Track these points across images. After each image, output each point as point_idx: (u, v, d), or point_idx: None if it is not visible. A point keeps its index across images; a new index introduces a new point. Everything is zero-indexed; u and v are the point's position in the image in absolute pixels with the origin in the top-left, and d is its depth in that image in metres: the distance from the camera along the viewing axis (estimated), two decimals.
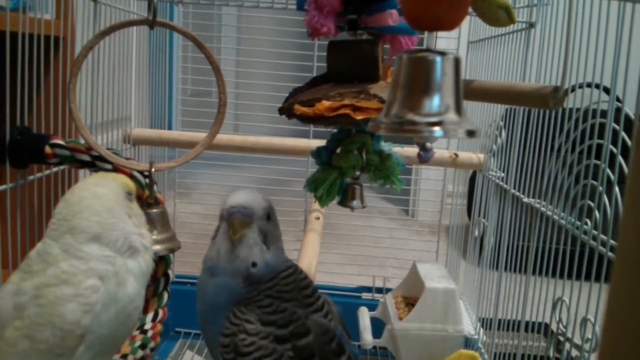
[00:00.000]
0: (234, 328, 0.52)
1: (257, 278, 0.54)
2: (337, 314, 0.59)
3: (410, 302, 1.01)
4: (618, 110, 0.60)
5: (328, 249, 1.34)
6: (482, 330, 1.00)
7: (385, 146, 0.66)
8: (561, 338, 0.69)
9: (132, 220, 0.56)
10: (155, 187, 0.66)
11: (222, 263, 0.54)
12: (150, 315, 0.68)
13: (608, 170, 0.61)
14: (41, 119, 0.80)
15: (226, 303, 0.54)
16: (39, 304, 0.50)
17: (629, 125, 0.58)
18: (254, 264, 0.53)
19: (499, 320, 0.90)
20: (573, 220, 0.69)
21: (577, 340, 0.65)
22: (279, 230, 0.57)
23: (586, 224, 0.66)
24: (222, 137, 1.04)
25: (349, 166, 0.63)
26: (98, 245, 0.53)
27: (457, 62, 0.42)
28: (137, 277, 0.55)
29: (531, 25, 0.85)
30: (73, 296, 0.51)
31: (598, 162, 0.62)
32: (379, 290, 1.22)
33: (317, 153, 0.65)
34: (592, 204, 0.63)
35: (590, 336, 0.61)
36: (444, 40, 1.22)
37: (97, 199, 0.54)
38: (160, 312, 0.69)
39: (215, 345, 0.54)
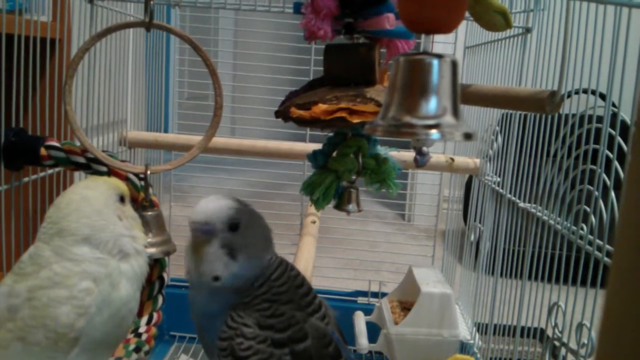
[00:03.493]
0: (231, 332, 0.52)
1: (233, 288, 0.53)
2: (333, 319, 0.58)
3: (406, 307, 1.01)
4: (614, 116, 0.60)
5: (324, 253, 1.33)
6: (477, 335, 1.00)
7: (382, 150, 0.66)
8: (557, 343, 0.69)
9: (124, 223, 0.56)
10: (150, 190, 0.65)
11: (193, 278, 0.54)
12: (144, 319, 0.68)
13: (604, 176, 0.61)
14: (36, 121, 0.80)
15: (220, 310, 0.53)
16: (32, 306, 0.50)
17: (624, 130, 0.58)
18: (215, 278, 0.52)
19: (495, 325, 0.90)
20: (569, 225, 0.69)
21: (572, 345, 0.64)
22: (255, 236, 0.54)
23: (582, 229, 0.66)
24: (219, 141, 1.03)
25: (345, 170, 0.63)
26: (88, 247, 0.53)
27: (454, 64, 0.42)
28: (131, 280, 0.55)
29: (527, 30, 0.85)
30: (67, 299, 0.50)
31: (594, 167, 0.62)
32: (375, 295, 1.22)
33: (314, 156, 0.65)
34: (588, 209, 0.63)
35: (586, 341, 0.61)
36: (440, 45, 1.22)
37: (86, 201, 0.54)
38: (155, 315, 0.69)
39: (213, 351, 0.54)
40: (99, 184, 0.57)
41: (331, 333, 0.55)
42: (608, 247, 0.60)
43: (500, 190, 0.93)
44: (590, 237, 0.63)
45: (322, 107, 0.57)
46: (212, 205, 0.53)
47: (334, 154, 0.64)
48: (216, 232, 0.52)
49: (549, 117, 0.77)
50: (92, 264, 0.52)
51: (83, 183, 0.58)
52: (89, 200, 0.55)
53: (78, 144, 0.67)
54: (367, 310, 1.04)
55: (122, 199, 0.58)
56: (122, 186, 0.59)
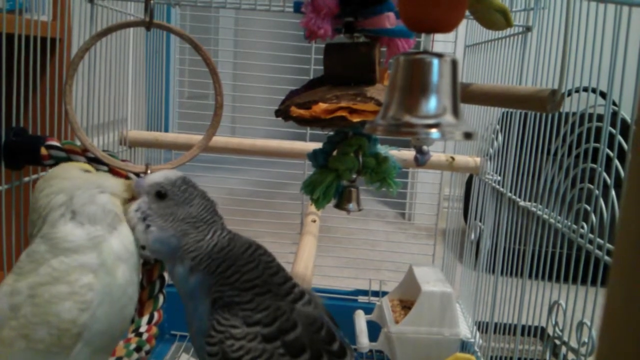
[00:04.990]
0: (220, 336, 0.51)
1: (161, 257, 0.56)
2: (322, 305, 0.58)
3: (406, 306, 1.01)
4: (614, 114, 0.60)
5: (324, 252, 1.34)
6: (478, 334, 1.00)
7: (382, 149, 0.66)
8: (557, 342, 0.69)
9: (96, 176, 0.58)
10: None
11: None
12: (145, 318, 0.68)
13: (604, 174, 0.61)
14: (37, 121, 0.80)
15: (196, 288, 0.54)
16: (35, 304, 0.50)
17: (625, 129, 0.58)
18: (142, 247, 0.56)
19: (496, 324, 0.90)
20: (569, 223, 0.69)
21: (573, 343, 0.64)
22: (181, 212, 0.55)
23: (582, 227, 0.66)
24: (219, 140, 1.03)
25: (345, 169, 0.63)
26: (72, 221, 0.53)
27: (454, 64, 0.42)
28: (126, 262, 0.55)
29: (528, 29, 0.85)
30: (68, 294, 0.50)
31: (594, 165, 0.62)
32: (376, 294, 1.22)
33: (314, 155, 0.65)
34: (588, 208, 0.63)
35: (586, 340, 0.61)
36: (440, 44, 1.22)
37: (48, 181, 0.56)
38: (156, 314, 0.69)
39: (198, 343, 0.54)
40: (54, 168, 0.59)
41: (320, 317, 0.55)
42: (608, 245, 0.60)
43: (501, 189, 0.93)
44: (591, 235, 0.63)
45: (323, 106, 0.57)
46: (160, 172, 0.57)
47: (335, 153, 0.64)
48: (141, 190, 0.56)
49: (550, 115, 0.77)
50: (84, 250, 0.52)
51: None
52: (51, 179, 0.56)
53: (79, 143, 0.67)
54: (368, 309, 1.04)
55: (87, 172, 0.59)
56: (84, 165, 0.61)
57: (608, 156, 0.61)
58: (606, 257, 0.60)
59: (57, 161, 0.69)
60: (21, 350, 0.50)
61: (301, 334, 0.52)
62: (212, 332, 0.52)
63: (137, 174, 0.67)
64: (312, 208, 1.03)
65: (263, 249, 0.57)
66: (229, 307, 0.52)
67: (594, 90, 0.65)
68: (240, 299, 0.52)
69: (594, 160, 0.62)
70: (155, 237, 0.55)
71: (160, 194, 0.55)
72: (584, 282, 0.64)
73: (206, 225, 0.55)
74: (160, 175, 0.56)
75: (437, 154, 1.08)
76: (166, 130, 1.21)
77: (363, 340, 0.93)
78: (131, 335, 0.66)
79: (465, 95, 0.60)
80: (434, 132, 0.40)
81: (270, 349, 0.51)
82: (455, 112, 0.42)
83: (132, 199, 0.58)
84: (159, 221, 0.55)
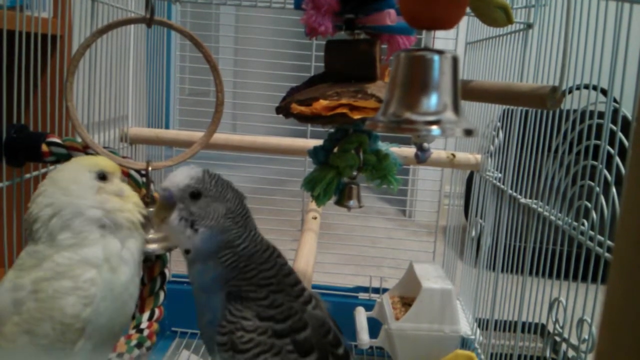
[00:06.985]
0: (231, 326, 0.52)
1: (201, 259, 0.54)
2: (326, 310, 0.59)
3: (407, 302, 1.02)
4: (615, 111, 0.60)
5: (325, 248, 1.34)
6: (478, 331, 1.00)
7: (383, 146, 0.66)
8: (558, 338, 0.69)
9: (98, 197, 0.55)
10: (152, 186, 0.66)
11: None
12: (146, 315, 0.68)
13: (605, 171, 0.61)
14: (38, 117, 0.80)
15: (212, 283, 0.54)
16: (38, 299, 0.50)
17: (626, 126, 0.58)
18: (186, 252, 0.54)
19: (496, 321, 0.90)
20: (570, 221, 0.69)
21: (573, 340, 0.65)
22: (219, 207, 0.53)
23: (583, 224, 0.66)
24: (220, 137, 1.03)
25: (346, 166, 0.63)
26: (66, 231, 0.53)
27: (455, 61, 0.42)
28: (128, 262, 0.55)
29: (529, 26, 0.85)
30: (72, 289, 0.51)
31: (595, 163, 0.62)
32: (376, 291, 1.22)
33: (314, 152, 0.65)
34: (589, 205, 0.63)
35: (586, 337, 0.61)
36: (441, 41, 1.22)
37: (52, 183, 0.55)
38: (157, 311, 0.69)
39: (208, 334, 0.54)
40: (70, 164, 0.58)
41: (327, 322, 0.56)
42: (609, 242, 0.60)
43: (502, 186, 0.93)
44: (591, 232, 0.63)
45: (323, 103, 0.57)
46: (178, 172, 0.54)
47: (335, 150, 0.64)
48: (175, 199, 0.53)
49: (550, 112, 0.77)
50: (89, 245, 0.52)
51: (58, 167, 0.58)
52: (56, 181, 0.55)
53: (79, 140, 0.67)
54: (368, 306, 1.04)
55: (102, 176, 0.57)
56: (102, 162, 0.59)
57: (609, 153, 0.61)
58: (606, 254, 0.60)
59: (58, 158, 0.69)
60: (24, 345, 0.50)
61: (310, 335, 0.53)
62: (224, 322, 0.52)
63: (138, 171, 0.67)
64: (313, 205, 1.03)
65: (278, 252, 0.57)
66: (243, 301, 0.53)
67: (594, 88, 0.65)
68: (256, 295, 0.53)
69: (595, 158, 0.62)
70: (204, 237, 0.53)
71: (194, 194, 0.53)
72: (584, 279, 0.64)
73: (243, 219, 0.55)
74: (183, 175, 0.54)
75: (437, 151, 1.08)
76: (167, 127, 1.21)
77: (363, 336, 0.93)
78: (132, 332, 0.66)
79: (466, 92, 0.60)
80: (434, 129, 0.40)
81: (280, 344, 0.51)
82: (456, 109, 0.42)
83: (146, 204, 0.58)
84: (206, 221, 0.53)
